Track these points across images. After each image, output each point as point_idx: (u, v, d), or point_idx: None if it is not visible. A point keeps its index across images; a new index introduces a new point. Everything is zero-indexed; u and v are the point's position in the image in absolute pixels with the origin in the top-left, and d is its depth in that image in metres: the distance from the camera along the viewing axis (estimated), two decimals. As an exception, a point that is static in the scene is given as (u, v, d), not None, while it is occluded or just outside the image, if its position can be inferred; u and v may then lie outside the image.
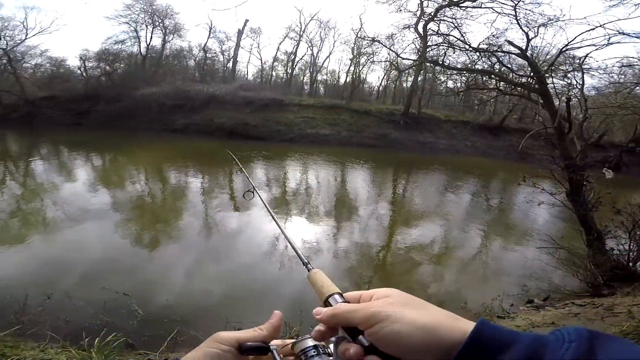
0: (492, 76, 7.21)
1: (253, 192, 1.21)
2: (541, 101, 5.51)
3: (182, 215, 7.56)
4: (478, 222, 8.18)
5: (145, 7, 26.37)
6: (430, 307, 0.41)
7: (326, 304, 0.48)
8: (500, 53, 6.90)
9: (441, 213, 8.76)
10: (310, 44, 30.51)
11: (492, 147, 19.81)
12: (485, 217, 8.88)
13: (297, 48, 30.77)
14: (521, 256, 6.01)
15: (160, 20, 26.75)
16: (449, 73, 20.82)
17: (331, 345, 0.48)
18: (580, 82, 7.48)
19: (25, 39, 25.42)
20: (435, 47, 10.06)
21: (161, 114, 20.25)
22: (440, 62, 10.47)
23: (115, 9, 31.05)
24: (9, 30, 24.99)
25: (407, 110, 21.37)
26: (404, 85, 28.76)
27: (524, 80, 6.47)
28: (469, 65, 8.30)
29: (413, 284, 4.95)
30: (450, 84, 25.59)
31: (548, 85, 5.63)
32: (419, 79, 22.28)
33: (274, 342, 0.51)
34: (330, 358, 0.47)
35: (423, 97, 22.97)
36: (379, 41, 21.93)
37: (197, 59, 30.10)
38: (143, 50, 26.97)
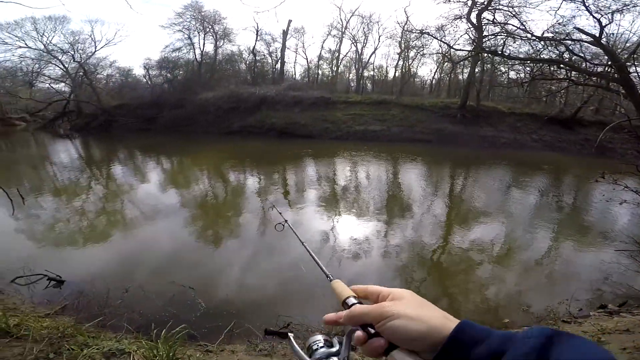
0: (562, 66, 6.60)
1: (283, 225, 1.31)
2: (623, 91, 5.03)
3: (240, 213, 7.89)
4: (546, 222, 7.41)
5: (194, 14, 27.92)
6: (432, 308, 0.50)
7: (344, 304, 0.57)
8: (569, 41, 6.34)
9: (504, 212, 8.09)
10: (353, 40, 30.32)
11: (564, 140, 17.86)
12: (555, 216, 8.02)
13: (340, 45, 30.81)
14: (596, 259, 5.40)
15: (210, 26, 28.13)
16: (510, 63, 19.30)
17: (335, 339, 0.59)
18: None
19: (95, 51, 28.42)
20: (493, 37, 9.40)
21: (218, 117, 21.47)
22: (500, 52, 9.73)
23: (168, 17, 33.47)
24: (80, 43, 28.10)
25: (464, 103, 20.12)
26: (460, 77, 27.21)
27: (600, 69, 5.98)
28: (533, 55, 7.68)
29: (470, 286, 4.64)
30: (512, 74, 23.70)
31: (631, 74, 5.10)
32: (476, 70, 20.88)
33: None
34: (334, 349, 0.57)
35: (482, 89, 21.47)
36: (427, 33, 21.05)
37: (247, 62, 31.43)
38: (198, 56, 28.72)
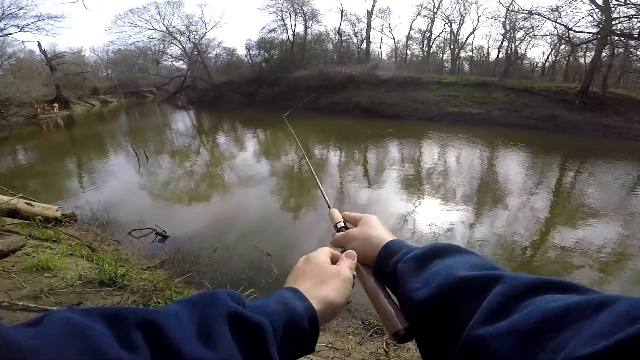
0: None
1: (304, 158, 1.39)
2: None
3: (322, 184, 8.22)
4: None
5: (285, -5, 28.86)
6: (380, 230, 0.63)
7: (335, 227, 0.72)
8: None
9: (623, 213, 6.81)
10: (447, 21, 28.21)
11: None
12: None
13: (432, 25, 29.19)
14: None
15: (299, 8, 28.96)
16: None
17: None
18: None
19: (206, 32, 32.10)
20: (626, 19, 7.61)
21: (308, 94, 22.42)
22: (637, 36, 7.82)
23: (264, -1, 35.10)
24: (193, 25, 31.88)
25: (585, 88, 17.05)
26: (582, 61, 23.02)
27: None
28: None
29: None
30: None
31: None
32: (603, 54, 17.41)
33: None
34: None
35: (611, 75, 17.86)
36: (538, 14, 18.18)
37: (334, 42, 31.71)
38: (290, 36, 30.03)
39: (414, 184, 8.37)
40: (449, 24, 28.56)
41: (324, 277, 0.53)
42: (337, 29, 30.18)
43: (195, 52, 31.63)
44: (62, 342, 0.26)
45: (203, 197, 7.35)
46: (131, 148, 11.05)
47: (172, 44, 33.22)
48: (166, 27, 31.82)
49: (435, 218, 6.10)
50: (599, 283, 4.36)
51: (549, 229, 6.09)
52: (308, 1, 29.16)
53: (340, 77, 22.48)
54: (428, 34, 29.72)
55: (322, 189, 0.93)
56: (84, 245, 4.03)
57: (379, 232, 0.63)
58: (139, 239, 4.99)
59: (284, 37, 30.20)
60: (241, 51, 36.68)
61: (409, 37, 31.28)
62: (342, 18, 29.80)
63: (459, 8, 27.55)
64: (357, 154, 12.19)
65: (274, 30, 30.11)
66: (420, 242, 5.20)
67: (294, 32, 29.88)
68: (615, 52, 17.59)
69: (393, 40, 32.68)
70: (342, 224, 0.73)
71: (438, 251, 0.50)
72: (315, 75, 23.35)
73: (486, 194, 7.86)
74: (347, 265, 0.57)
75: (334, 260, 0.60)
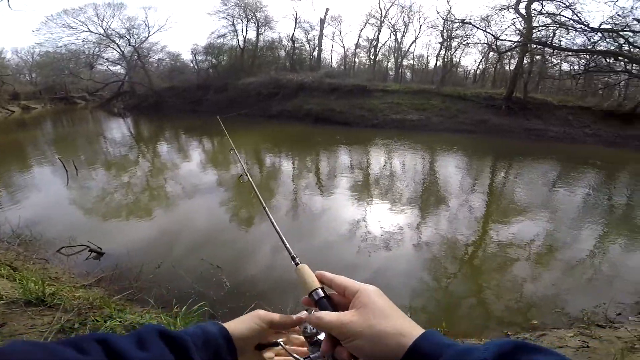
0: (620, 58, 5.97)
1: (247, 177, 1.18)
2: None
3: (273, 194, 7.96)
4: (595, 221, 6.95)
5: (238, 1, 28.57)
6: (394, 317, 0.47)
7: (310, 295, 0.56)
8: (629, 33, 5.71)
9: (548, 208, 7.66)
10: (392, 29, 29.77)
11: (622, 136, 16.39)
12: (606, 215, 7.51)
13: (378, 34, 30.36)
14: None
15: (252, 14, 28.75)
16: (563, 55, 17.89)
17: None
18: None
19: (148, 36, 30.28)
20: (544, 27, 8.75)
21: (259, 101, 22.14)
22: (550, 44, 9.01)
23: (214, 4, 34.55)
24: (135, 29, 29.99)
25: (510, 94, 19.07)
26: (507, 68, 25.75)
27: None
28: (589, 47, 6.98)
29: (504, 283, 4.51)
30: (565, 66, 22.06)
31: None
32: (525, 61, 19.70)
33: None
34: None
35: (530, 81, 20.21)
36: (470, 23, 20.04)
37: (286, 49, 31.82)
38: (241, 42, 29.54)
39: (363, 190, 8.58)
40: (394, 33, 30.12)
41: (240, 319, 0.61)
42: (290, 36, 30.34)
43: (136, 56, 29.64)
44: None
45: (143, 210, 6.93)
46: (58, 159, 9.94)
47: (109, 47, 30.74)
48: (104, 29, 29.47)
49: (385, 221, 6.29)
50: (534, 275, 4.80)
51: (486, 226, 6.59)
52: (262, 8, 29.05)
53: (292, 84, 22.57)
54: (375, 43, 31.02)
55: (282, 236, 0.75)
56: (2, 264, 3.73)
57: (394, 321, 0.46)
58: (69, 256, 4.68)
59: (234, 42, 29.67)
60: (187, 56, 35.19)
61: (357, 46, 32.45)
62: (296, 25, 30.03)
63: (404, 17, 29.18)
64: (308, 161, 12.25)
65: (223, 35, 29.47)
66: (374, 246, 5.27)
67: (245, 38, 29.48)
68: (534, 59, 19.89)
69: (343, 49, 33.61)
70: (322, 293, 0.56)
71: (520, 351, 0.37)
72: (266, 82, 23.18)
73: (429, 197, 8.34)
74: (276, 314, 0.61)
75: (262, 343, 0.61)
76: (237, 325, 0.58)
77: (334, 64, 34.00)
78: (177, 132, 18.98)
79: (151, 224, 6.15)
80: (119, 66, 32.06)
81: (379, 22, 29.38)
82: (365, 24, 30.40)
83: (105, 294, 3.36)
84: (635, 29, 5.43)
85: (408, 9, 28.38)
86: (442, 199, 8.11)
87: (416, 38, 30.30)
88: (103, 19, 29.37)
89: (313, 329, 0.56)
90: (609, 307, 3.71)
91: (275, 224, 0.81)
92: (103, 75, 34.68)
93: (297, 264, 0.63)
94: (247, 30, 29.37)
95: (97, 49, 30.99)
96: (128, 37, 29.57)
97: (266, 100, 21.99)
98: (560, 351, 0.45)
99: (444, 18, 22.75)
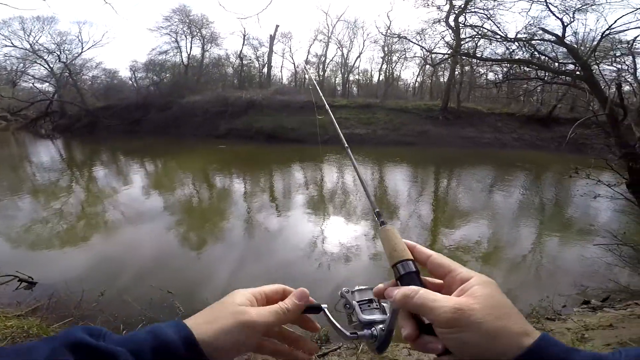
0: (532, 66, 6.88)
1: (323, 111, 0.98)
2: (589, 88, 5.23)
3: (226, 217, 7.81)
4: (530, 219, 7.72)
5: (182, 18, 27.94)
6: (512, 315, 0.39)
7: (394, 268, 0.47)
8: (537, 41, 6.62)
9: (489, 210, 8.36)
10: (339, 45, 30.96)
11: (542, 139, 18.56)
12: (538, 213, 8.35)
13: (326, 50, 31.39)
14: (578, 254, 5.59)
15: (197, 30, 28.13)
16: (488, 64, 19.88)
17: (386, 305, 0.49)
18: (633, 67, 7.08)
19: (82, 52, 28.05)
20: (470, 39, 9.66)
21: (205, 120, 21.40)
22: (474, 54, 10.00)
23: (156, 20, 33.19)
24: (66, 44, 27.71)
25: (445, 105, 20.70)
26: (441, 80, 27.91)
27: (570, 67, 6.09)
28: (507, 56, 7.91)
29: None
30: (491, 76, 24.45)
31: (595, 72, 5.36)
32: (456, 72, 21.50)
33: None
34: (379, 316, 0.48)
35: (462, 91, 22.11)
36: (405, 37, 21.51)
37: (234, 66, 31.44)
38: (185, 59, 28.63)
39: (319, 206, 8.66)
40: (340, 49, 31.23)
41: (215, 316, 0.46)
42: (238, 53, 29.95)
43: (67, 73, 27.21)
44: None
45: (79, 238, 6.49)
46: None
47: (35, 63, 27.91)
48: (30, 44, 26.75)
49: (342, 235, 6.42)
50: (484, 274, 5.09)
51: (436, 232, 6.99)
52: (208, 24, 28.39)
53: (240, 102, 22.15)
54: (323, 58, 31.91)
55: (365, 186, 0.64)
56: None
57: (521, 320, 0.39)
58: (-3, 287, 4.42)
59: (177, 59, 28.65)
60: (125, 73, 33.02)
61: (307, 62, 33.05)
62: (244, 42, 29.74)
63: (349, 33, 30.42)
64: (262, 181, 12.04)
65: (165, 52, 28.33)
66: (333, 260, 5.33)
67: (189, 55, 28.58)
68: (464, 70, 21.72)
69: (293, 65, 33.90)
70: (413, 267, 0.46)
71: None
72: (212, 100, 22.49)
73: (381, 208, 8.59)
74: (273, 310, 0.47)
75: (274, 300, 0.50)
76: (212, 331, 0.44)
77: (285, 81, 34.29)
78: (115, 154, 17.59)
79: (89, 251, 5.87)
80: (47, 84, 29.20)
81: (326, 38, 30.35)
82: (314, 40, 31.24)
83: (42, 322, 3.25)
84: (545, 38, 6.27)
85: (353, 24, 29.71)
86: (394, 209, 8.45)
87: (360, 53, 31.58)
88: (30, 33, 26.76)
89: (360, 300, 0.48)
90: (554, 300, 3.97)
91: (362, 178, 0.69)
92: (28, 93, 31.23)
93: (382, 223, 0.53)
94: (191, 47, 28.62)
95: (21, 64, 28.04)
96: (58, 53, 27.14)
97: (213, 119, 21.33)
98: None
99: (384, 34, 24.09)
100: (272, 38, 29.70)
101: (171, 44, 28.26)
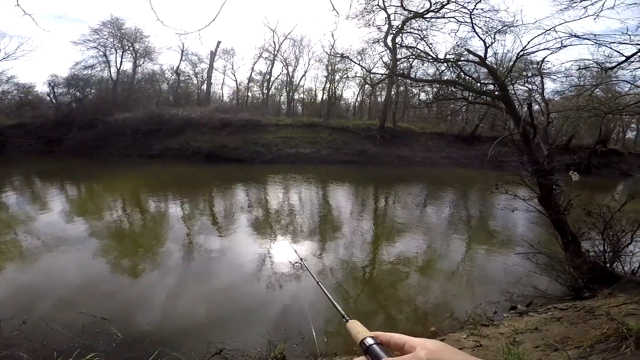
0: (458, 86, 7.18)
1: (301, 264, 1.27)
2: (505, 108, 5.49)
3: (162, 241, 7.33)
4: (460, 232, 8.33)
5: (113, 31, 26.21)
6: (446, 354, 0.46)
7: (361, 344, 0.55)
8: (463, 62, 6.76)
9: (424, 225, 8.86)
10: (285, 63, 31.02)
11: (467, 157, 20.56)
12: (466, 226, 9.08)
13: (272, 68, 31.23)
14: (502, 263, 6.09)
15: (130, 44, 26.56)
16: (420, 85, 21.60)
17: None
18: (541, 87, 7.58)
19: (-11, 64, 24.48)
20: (405, 59, 10.12)
21: (136, 139, 19.83)
22: (409, 75, 10.45)
23: (82, 33, 30.40)
24: None
25: (382, 124, 21.91)
26: (379, 99, 29.53)
27: (490, 88, 6.40)
28: (437, 77, 8.21)
29: (400, 297, 4.94)
30: (422, 96, 26.59)
31: (510, 92, 5.64)
32: (392, 92, 22.87)
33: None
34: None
35: (398, 111, 23.62)
36: (347, 57, 22.59)
37: (170, 82, 29.95)
38: (114, 74, 26.66)
39: (265, 226, 8.40)
40: (286, 67, 31.23)
41: None
42: (175, 69, 28.54)
43: (-30, 88, 23.36)
44: None
45: None
46: None
47: None
48: None
49: (289, 254, 6.25)
50: (422, 287, 5.26)
51: (377, 247, 7.14)
52: (142, 38, 26.73)
53: (176, 120, 21.01)
54: (268, 76, 31.70)
55: (329, 297, 0.77)
56: None
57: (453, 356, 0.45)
58: None
59: (105, 74, 26.43)
60: (42, 88, 29.30)
61: (250, 79, 32.66)
62: (182, 57, 28.54)
63: (295, 51, 30.69)
64: (201, 202, 11.36)
65: (91, 66, 25.96)
66: (283, 279, 5.24)
67: (118, 69, 26.50)
68: (399, 90, 23.11)
69: (235, 82, 33.22)
70: (371, 341, 0.54)
71: None
72: (144, 118, 20.97)
73: (326, 226, 8.65)
74: None
75: None
76: None
77: (225, 98, 33.46)
78: (29, 178, 15.30)
79: (3, 280, 5.23)
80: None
81: (272, 55, 30.31)
82: (259, 57, 30.97)
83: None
84: (469, 59, 6.52)
85: (299, 42, 30.35)
86: (338, 227, 8.52)
87: (305, 72, 32.07)
88: None
89: None
90: (486, 307, 4.20)
91: (322, 286, 0.85)
92: None
93: (347, 320, 0.62)
94: (122, 62, 26.70)
95: None
96: (-40, 66, 23.29)
97: (146, 138, 19.86)
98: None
99: (328, 53, 24.91)
100: (212, 54, 29.06)
101: (99, 58, 26.24)
